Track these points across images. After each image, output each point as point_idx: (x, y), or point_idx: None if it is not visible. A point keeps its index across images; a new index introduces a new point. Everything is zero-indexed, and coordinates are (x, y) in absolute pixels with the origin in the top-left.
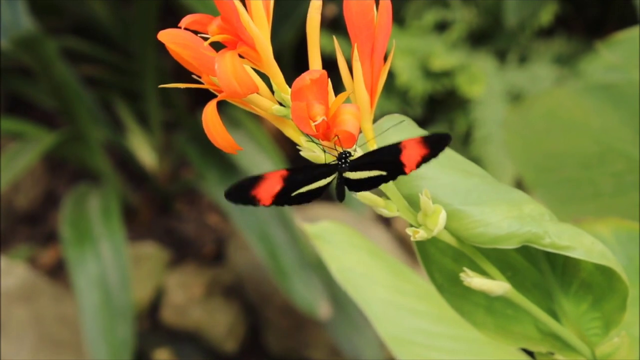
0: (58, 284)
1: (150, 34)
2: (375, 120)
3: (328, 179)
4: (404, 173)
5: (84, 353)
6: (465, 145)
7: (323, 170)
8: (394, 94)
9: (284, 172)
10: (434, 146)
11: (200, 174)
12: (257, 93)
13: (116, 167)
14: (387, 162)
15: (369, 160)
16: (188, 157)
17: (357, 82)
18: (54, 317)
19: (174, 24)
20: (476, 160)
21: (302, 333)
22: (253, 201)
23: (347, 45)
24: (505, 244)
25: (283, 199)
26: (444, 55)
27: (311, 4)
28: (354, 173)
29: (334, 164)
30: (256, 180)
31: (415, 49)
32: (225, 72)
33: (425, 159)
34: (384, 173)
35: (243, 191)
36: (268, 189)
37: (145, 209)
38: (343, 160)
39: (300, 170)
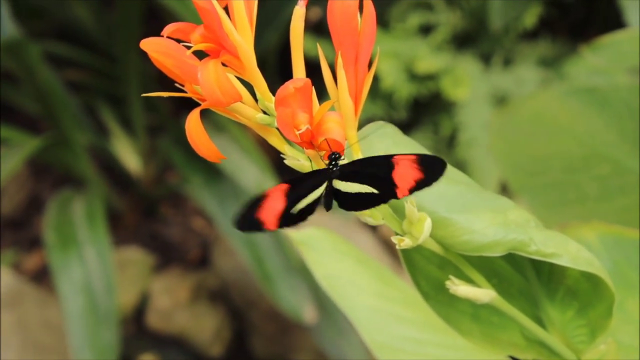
0: (42, 289)
1: (134, 38)
2: (360, 127)
3: (322, 188)
4: (396, 197)
5: (68, 358)
6: (450, 148)
7: (318, 178)
8: (379, 98)
9: (285, 186)
10: (428, 171)
11: (185, 178)
12: (241, 101)
13: (100, 171)
14: (379, 177)
15: (359, 168)
16: (172, 161)
17: (341, 90)
18: (39, 322)
19: (158, 28)
20: (461, 163)
21: (288, 338)
22: (259, 226)
23: (332, 49)
24: (491, 252)
25: (286, 218)
26: (428, 58)
27: (294, 12)
28: (344, 183)
29: (325, 169)
30: (259, 200)
31: (400, 52)
32: (208, 81)
33: (419, 185)
34: (375, 191)
35: (250, 215)
36: (271, 209)
37: (130, 214)
38: (334, 163)
39: (298, 181)
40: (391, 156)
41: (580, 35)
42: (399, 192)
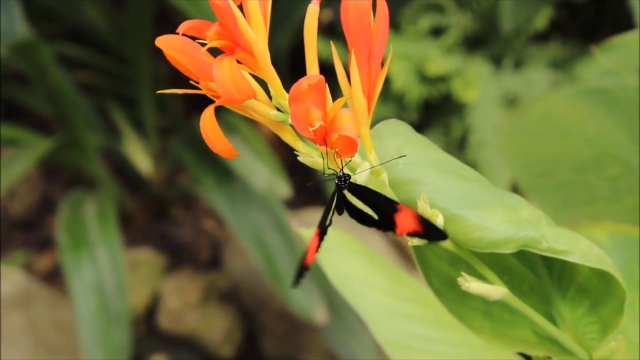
0: (54, 289)
1: (145, 39)
2: (372, 126)
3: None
4: (394, 232)
5: (79, 359)
6: (461, 150)
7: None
8: (389, 99)
9: (318, 230)
10: (428, 232)
11: (196, 179)
12: (255, 98)
13: (112, 172)
14: (382, 211)
15: (365, 194)
16: (184, 162)
17: (354, 88)
18: (50, 323)
19: (169, 29)
20: (471, 165)
21: (299, 338)
22: (307, 270)
23: (343, 51)
24: (502, 249)
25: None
26: (439, 60)
27: (308, 9)
28: (351, 196)
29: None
30: (304, 256)
31: (411, 54)
32: (223, 78)
33: (416, 234)
34: (376, 217)
35: (302, 270)
36: (312, 250)
37: (141, 215)
38: (342, 184)
39: (325, 217)
40: (396, 203)
41: (590, 37)
42: (397, 230)
